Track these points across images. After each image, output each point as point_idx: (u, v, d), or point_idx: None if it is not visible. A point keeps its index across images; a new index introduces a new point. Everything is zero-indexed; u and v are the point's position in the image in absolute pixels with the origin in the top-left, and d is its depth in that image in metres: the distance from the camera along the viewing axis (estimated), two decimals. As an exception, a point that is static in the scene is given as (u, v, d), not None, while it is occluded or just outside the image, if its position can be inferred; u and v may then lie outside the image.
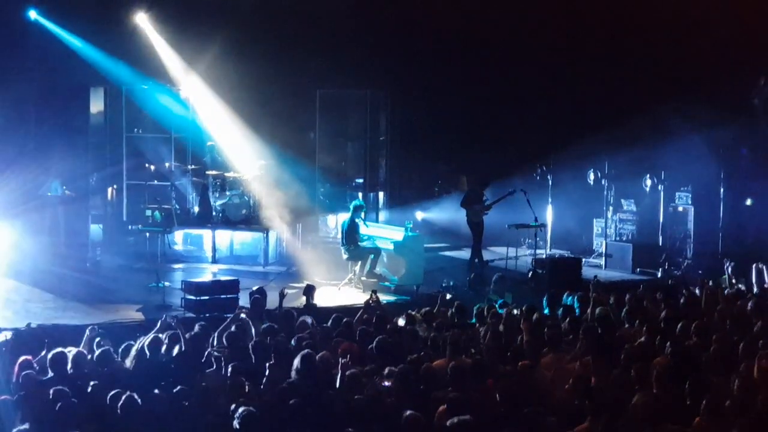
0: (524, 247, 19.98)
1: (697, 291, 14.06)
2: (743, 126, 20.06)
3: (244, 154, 19.77)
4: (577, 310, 12.71)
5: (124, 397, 8.48)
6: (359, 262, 16.97)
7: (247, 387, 9.05)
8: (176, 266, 17.94)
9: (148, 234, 17.76)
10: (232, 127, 20.07)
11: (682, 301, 13.25)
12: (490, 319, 11.90)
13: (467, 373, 9.24)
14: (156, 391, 8.78)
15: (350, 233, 16.99)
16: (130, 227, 18.38)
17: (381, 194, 21.99)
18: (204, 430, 8.36)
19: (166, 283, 15.63)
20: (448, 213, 21.58)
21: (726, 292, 14.26)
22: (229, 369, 9.52)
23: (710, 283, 14.62)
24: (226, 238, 19.12)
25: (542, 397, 8.95)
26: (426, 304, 13.65)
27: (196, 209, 19.32)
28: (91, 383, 9.25)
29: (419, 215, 21.98)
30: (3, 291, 15.83)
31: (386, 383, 9.13)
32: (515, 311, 12.56)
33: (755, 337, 10.47)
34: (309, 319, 11.90)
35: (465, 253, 20.18)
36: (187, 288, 14.29)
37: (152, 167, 19.65)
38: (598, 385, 8.93)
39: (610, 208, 20.19)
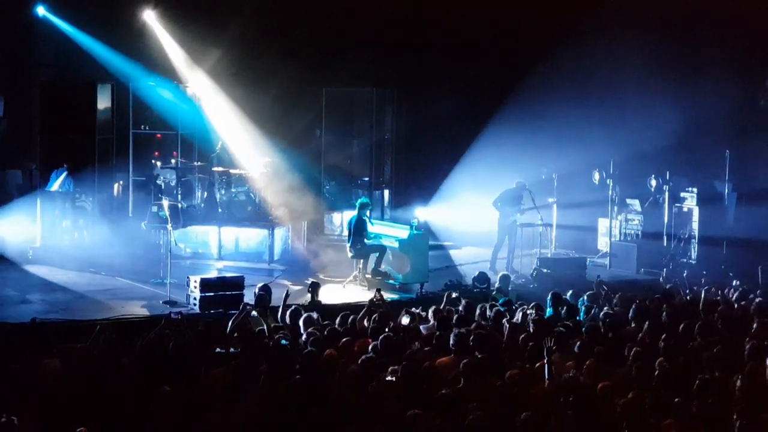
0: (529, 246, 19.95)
1: (701, 291, 14.06)
2: (749, 127, 20.03)
3: (249, 151, 19.79)
4: (581, 310, 12.74)
5: (127, 393, 8.52)
6: (364, 260, 16.99)
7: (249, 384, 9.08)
8: (181, 262, 17.95)
9: (153, 230, 17.76)
10: (238, 124, 20.10)
11: (685, 301, 13.27)
12: (493, 318, 11.92)
13: (470, 372, 9.25)
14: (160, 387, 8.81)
15: (358, 231, 16.97)
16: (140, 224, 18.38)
17: (386, 192, 21.99)
18: (208, 427, 8.39)
19: (172, 280, 15.65)
20: (453, 211, 21.56)
21: (730, 292, 14.27)
22: (234, 366, 9.56)
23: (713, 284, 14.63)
24: (231, 234, 19.11)
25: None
26: (430, 303, 13.67)
27: (202, 206, 19.34)
28: (97, 379, 9.29)
29: (424, 213, 21.94)
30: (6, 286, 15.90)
31: (389, 377, 9.16)
32: (519, 311, 12.58)
33: (757, 337, 10.47)
34: (315, 315, 11.93)
35: (470, 251, 20.21)
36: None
37: (158, 164, 19.66)
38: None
39: (615, 208, 20.16)
